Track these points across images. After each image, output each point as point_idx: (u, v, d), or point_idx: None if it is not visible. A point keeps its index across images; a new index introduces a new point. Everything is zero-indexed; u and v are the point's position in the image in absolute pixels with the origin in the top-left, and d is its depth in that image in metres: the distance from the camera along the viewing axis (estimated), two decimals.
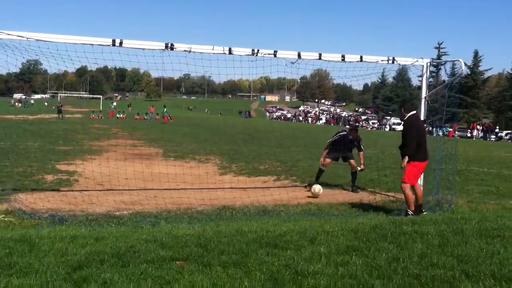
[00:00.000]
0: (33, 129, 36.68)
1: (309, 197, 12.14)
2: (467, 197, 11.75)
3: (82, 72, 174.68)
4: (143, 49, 10.35)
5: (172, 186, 12.84)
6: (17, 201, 10.26)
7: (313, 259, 5.65)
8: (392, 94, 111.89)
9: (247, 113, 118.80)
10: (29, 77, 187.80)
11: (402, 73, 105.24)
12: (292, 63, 11.29)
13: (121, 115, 71.82)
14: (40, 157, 18.69)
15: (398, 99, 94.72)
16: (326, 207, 10.58)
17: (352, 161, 13.66)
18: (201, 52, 10.60)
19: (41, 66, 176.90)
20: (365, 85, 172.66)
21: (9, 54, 10.20)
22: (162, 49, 10.37)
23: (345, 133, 13.73)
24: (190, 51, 10.45)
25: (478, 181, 14.69)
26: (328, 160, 13.68)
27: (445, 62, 16.58)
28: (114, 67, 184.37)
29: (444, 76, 13.12)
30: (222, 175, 16.29)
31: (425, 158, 9.90)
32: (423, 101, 12.08)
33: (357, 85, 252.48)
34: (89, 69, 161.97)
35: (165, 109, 63.88)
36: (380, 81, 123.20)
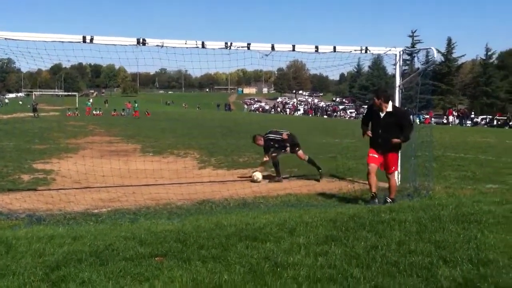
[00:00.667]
0: (7, 128, 36.13)
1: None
2: (444, 182, 11.88)
3: (56, 69, 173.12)
4: (115, 45, 10.26)
5: (151, 182, 12.76)
6: None
7: (292, 250, 5.66)
8: (368, 83, 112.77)
9: (227, 106, 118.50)
10: (3, 76, 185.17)
11: (377, 62, 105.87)
12: (266, 55, 11.29)
13: (98, 112, 71.27)
14: (15, 157, 18.42)
15: (374, 88, 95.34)
16: (305, 198, 10.59)
17: (298, 152, 13.71)
18: (174, 47, 10.53)
19: (14, 65, 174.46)
20: (341, 75, 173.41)
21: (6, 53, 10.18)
22: (134, 45, 10.28)
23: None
24: (162, 46, 10.39)
25: (455, 167, 14.86)
26: (274, 155, 13.64)
27: (418, 50, 16.64)
28: (89, 64, 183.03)
29: (418, 64, 13.20)
30: (201, 169, 16.22)
31: None
32: (397, 89, 12.18)
33: (333, 75, 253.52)
34: (63, 66, 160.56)
35: (136, 104, 65.71)
36: (356, 70, 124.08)
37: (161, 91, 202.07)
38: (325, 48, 11.74)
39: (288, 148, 13.64)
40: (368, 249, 5.65)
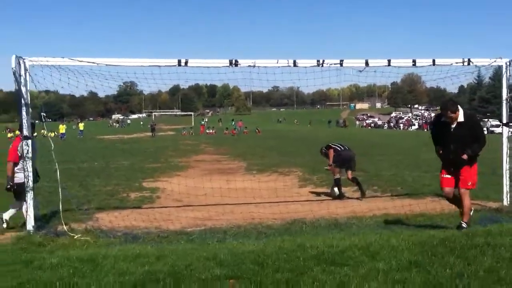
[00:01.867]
0: (126, 148, 38.40)
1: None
2: None
3: (174, 90, 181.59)
4: (208, 67, 10.55)
5: (249, 200, 12.80)
6: (97, 220, 10.67)
7: (369, 276, 5.42)
8: (489, 95, 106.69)
9: (342, 121, 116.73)
10: (126, 98, 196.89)
11: (499, 72, 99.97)
12: (360, 71, 11.04)
13: (211, 131, 73.52)
14: (129, 175, 19.45)
15: (495, 100, 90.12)
16: (402, 219, 10.15)
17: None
18: (265, 66, 10.61)
19: (137, 87, 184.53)
20: (461, 87, 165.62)
21: (107, 79, 11.02)
22: (227, 66, 10.48)
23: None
24: (254, 66, 10.48)
25: None
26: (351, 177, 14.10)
27: None
28: (205, 84, 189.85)
29: None
30: (301, 187, 16.13)
31: None
32: (504, 102, 11.45)
33: (451, 88, 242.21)
34: (181, 87, 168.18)
35: (233, 123, 69.22)
36: (476, 82, 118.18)
37: (274, 109, 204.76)
38: (423, 62, 11.21)
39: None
40: (453, 277, 5.28)
